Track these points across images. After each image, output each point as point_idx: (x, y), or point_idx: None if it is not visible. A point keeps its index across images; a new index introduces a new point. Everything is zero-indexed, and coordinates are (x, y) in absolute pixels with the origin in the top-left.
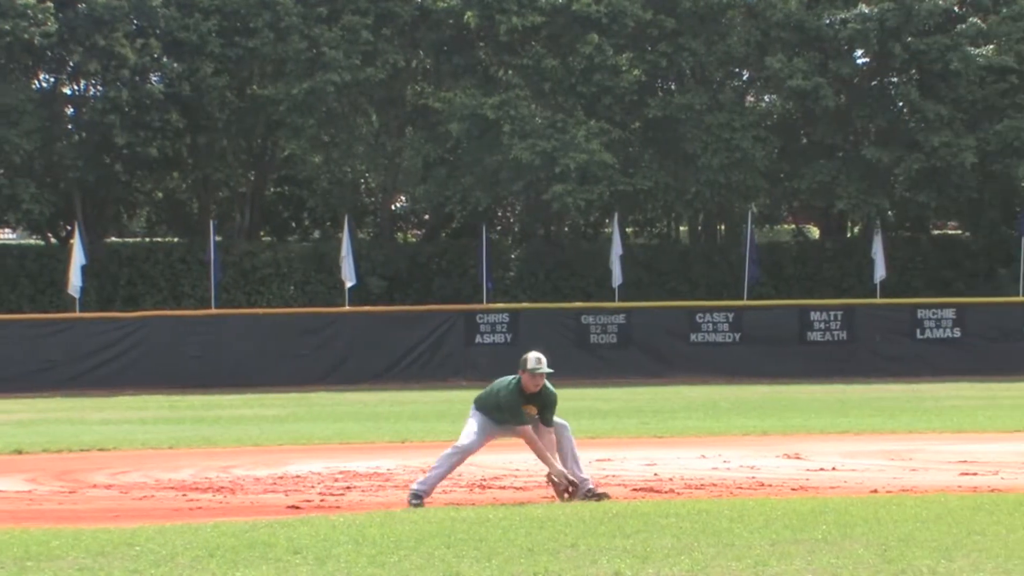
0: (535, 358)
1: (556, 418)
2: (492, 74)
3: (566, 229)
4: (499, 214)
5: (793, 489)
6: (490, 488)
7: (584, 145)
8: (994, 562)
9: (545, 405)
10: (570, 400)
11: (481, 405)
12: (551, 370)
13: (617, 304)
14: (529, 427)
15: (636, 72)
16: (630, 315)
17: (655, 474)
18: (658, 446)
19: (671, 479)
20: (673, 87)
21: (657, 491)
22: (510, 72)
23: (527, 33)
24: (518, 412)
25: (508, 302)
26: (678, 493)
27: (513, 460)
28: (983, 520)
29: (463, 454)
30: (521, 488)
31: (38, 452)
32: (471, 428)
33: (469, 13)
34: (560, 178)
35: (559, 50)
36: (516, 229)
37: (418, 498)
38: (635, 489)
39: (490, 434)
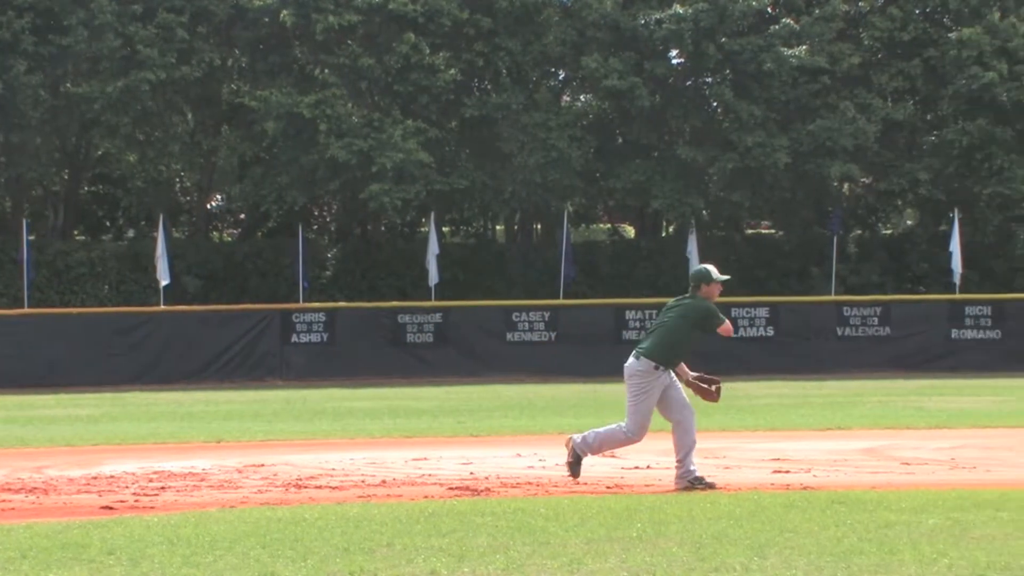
0: (713, 268)
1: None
2: (308, 73)
3: (383, 228)
4: (315, 213)
5: (608, 487)
6: (306, 487)
7: (401, 144)
8: (806, 559)
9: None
10: (386, 399)
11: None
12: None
13: (434, 303)
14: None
15: (452, 71)
16: (447, 314)
17: (471, 473)
18: (474, 445)
19: (487, 478)
20: (489, 86)
21: (473, 490)
22: (326, 71)
23: (343, 32)
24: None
25: (325, 301)
26: (494, 492)
27: (329, 460)
28: (795, 518)
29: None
30: (337, 488)
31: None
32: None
33: (285, 12)
34: (377, 177)
35: (375, 49)
36: (333, 228)
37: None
38: (451, 488)
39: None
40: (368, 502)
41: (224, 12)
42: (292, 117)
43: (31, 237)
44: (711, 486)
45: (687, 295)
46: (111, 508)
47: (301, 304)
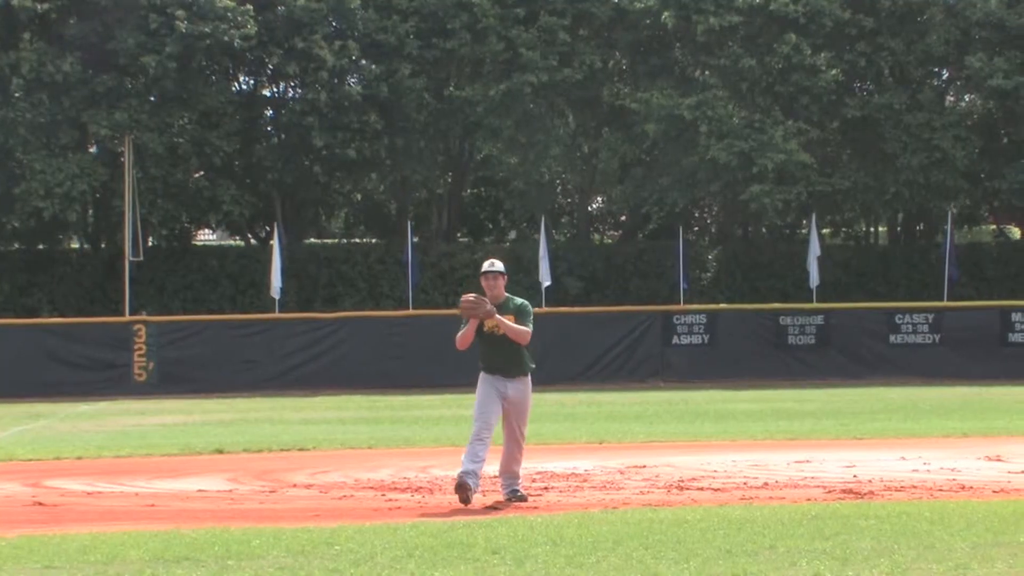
0: (487, 262)
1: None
2: (689, 74)
3: (763, 230)
4: (696, 215)
5: (995, 492)
6: (687, 489)
7: (782, 145)
8: None
9: (517, 311)
10: (768, 402)
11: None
12: (501, 270)
13: (815, 305)
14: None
15: (834, 72)
16: (828, 316)
17: (854, 476)
18: (857, 448)
19: (870, 481)
20: (872, 87)
21: (856, 493)
22: (707, 72)
23: (724, 33)
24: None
25: (705, 303)
26: (878, 495)
27: (710, 461)
28: None
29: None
30: (719, 489)
31: (239, 452)
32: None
33: (666, 13)
34: (757, 178)
35: (756, 50)
36: (713, 230)
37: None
38: (834, 491)
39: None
40: (750, 504)
41: (605, 14)
42: (673, 119)
43: (415, 239)
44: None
45: None
46: (495, 508)
47: (682, 306)
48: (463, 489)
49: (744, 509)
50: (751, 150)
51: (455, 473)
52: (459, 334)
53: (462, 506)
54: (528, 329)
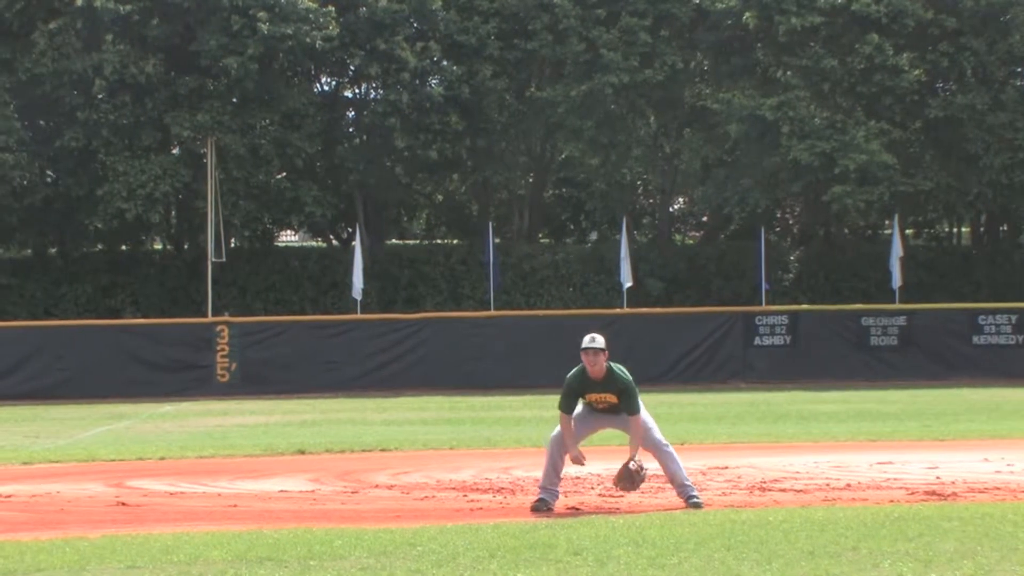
0: (588, 337)
1: (659, 438)
2: (771, 75)
3: (846, 231)
4: (778, 215)
5: None
6: (770, 490)
7: (864, 146)
8: None
9: (620, 392)
10: (850, 403)
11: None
12: (601, 346)
13: (898, 306)
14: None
15: (917, 72)
16: (911, 317)
17: (937, 477)
18: (940, 449)
19: (953, 482)
20: (954, 87)
21: (939, 495)
22: (788, 73)
23: (806, 33)
24: (580, 395)
25: (787, 304)
26: (961, 497)
27: (793, 463)
28: None
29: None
30: (801, 491)
31: (321, 452)
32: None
33: (748, 14)
34: (839, 179)
35: (838, 50)
36: (795, 231)
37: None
38: (917, 492)
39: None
40: (833, 505)
41: (687, 15)
42: (754, 119)
43: (497, 240)
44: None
45: None
46: (577, 509)
47: (764, 307)
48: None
49: (827, 510)
50: (833, 150)
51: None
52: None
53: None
54: (640, 418)
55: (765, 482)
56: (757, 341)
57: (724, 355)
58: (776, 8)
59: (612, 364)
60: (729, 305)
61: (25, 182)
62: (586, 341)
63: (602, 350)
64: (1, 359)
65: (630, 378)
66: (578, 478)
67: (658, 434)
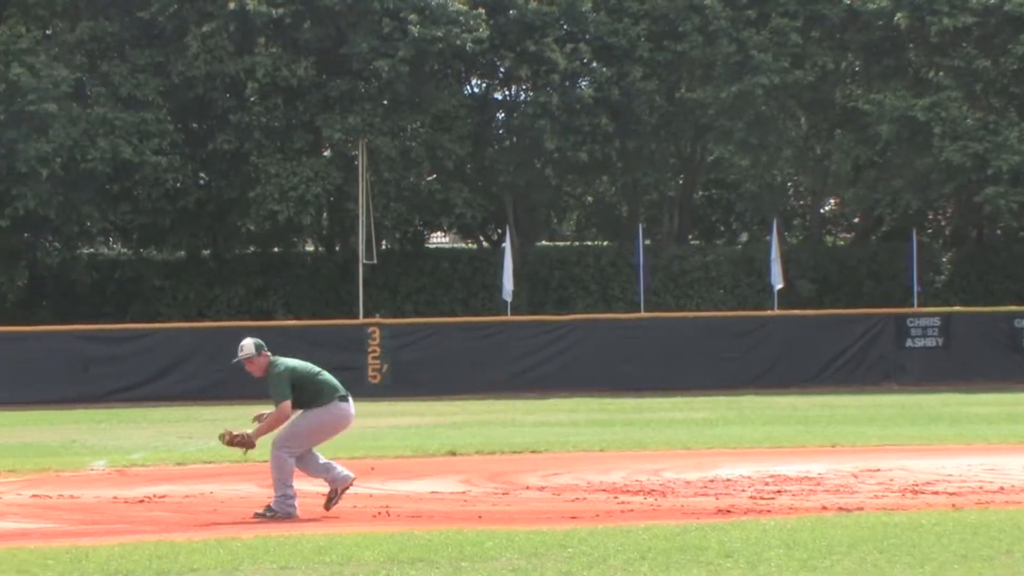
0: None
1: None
2: (922, 75)
3: (998, 232)
4: (929, 217)
5: None
6: (922, 493)
7: (1017, 147)
8: None
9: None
10: (1003, 405)
11: None
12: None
13: None
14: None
15: None
16: None
17: None
18: None
19: None
20: None
21: None
22: (940, 73)
23: (958, 34)
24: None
25: (939, 305)
26: None
27: (945, 465)
28: None
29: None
30: (954, 494)
31: (471, 454)
32: None
33: (900, 14)
34: (992, 180)
35: (991, 51)
36: (947, 232)
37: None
38: None
39: None
40: (986, 509)
41: (837, 16)
42: (906, 120)
43: (647, 242)
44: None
45: None
46: (728, 511)
47: (915, 308)
48: None
49: (980, 513)
50: (985, 151)
51: None
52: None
53: (693, 506)
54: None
55: (917, 485)
56: (909, 343)
57: (875, 357)
58: (928, 8)
59: (274, 361)
60: (880, 307)
61: (178, 184)
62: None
63: (249, 358)
64: (155, 361)
65: (277, 371)
66: (729, 480)
67: (288, 438)
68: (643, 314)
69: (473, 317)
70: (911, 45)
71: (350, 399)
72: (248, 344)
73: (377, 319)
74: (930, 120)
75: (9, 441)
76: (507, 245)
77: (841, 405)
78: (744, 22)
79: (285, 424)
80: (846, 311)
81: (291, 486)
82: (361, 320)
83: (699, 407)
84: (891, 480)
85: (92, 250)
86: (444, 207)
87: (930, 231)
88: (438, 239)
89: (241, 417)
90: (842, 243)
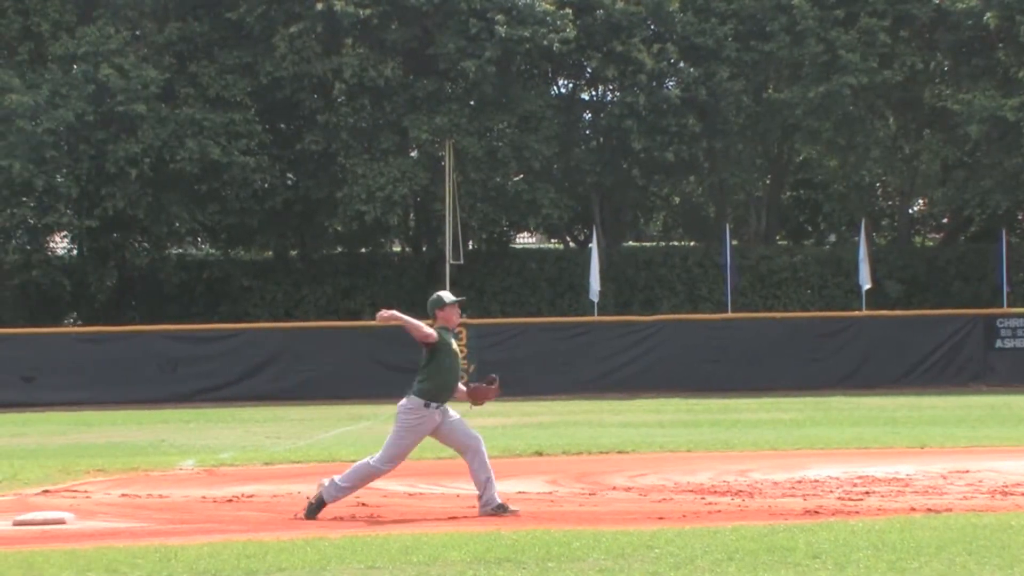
0: (447, 293)
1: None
2: (1012, 75)
3: None
4: (1019, 217)
5: None
6: (1012, 494)
7: None
8: None
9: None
10: None
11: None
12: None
13: None
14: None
15: None
16: None
17: None
18: None
19: None
20: None
21: None
22: None
23: None
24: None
25: None
26: None
27: None
28: None
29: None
30: None
31: (558, 454)
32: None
33: (989, 14)
34: None
35: None
36: None
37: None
38: None
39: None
40: None
41: (926, 15)
42: (995, 120)
43: (734, 242)
44: (514, 513)
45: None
46: (816, 512)
47: (1005, 309)
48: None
49: None
50: None
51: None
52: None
53: (781, 507)
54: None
55: (1007, 486)
56: (998, 344)
57: (964, 358)
58: (1018, 8)
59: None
60: (969, 307)
61: (266, 185)
62: (448, 296)
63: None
64: (244, 361)
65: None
66: (817, 481)
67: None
68: (730, 315)
69: (559, 318)
70: (1000, 45)
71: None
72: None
73: (464, 319)
74: (1019, 120)
75: (99, 440)
76: (593, 245)
77: (929, 406)
78: (832, 22)
79: None
80: (935, 312)
81: None
82: None
83: (786, 408)
84: (980, 481)
85: (180, 250)
86: (531, 207)
87: (1019, 231)
88: (524, 239)
89: (330, 417)
90: (931, 243)
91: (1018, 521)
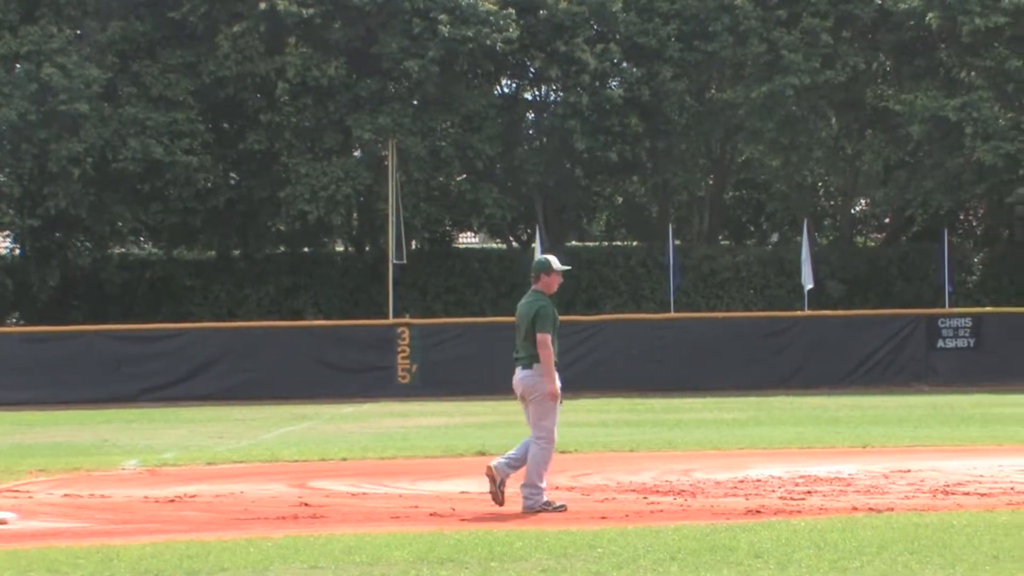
0: (554, 258)
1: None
2: (954, 76)
3: None
4: (960, 217)
5: None
6: (953, 494)
7: None
8: None
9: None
10: None
11: None
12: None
13: None
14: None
15: None
16: None
17: None
18: None
19: None
20: None
21: None
22: (972, 73)
23: (990, 34)
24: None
25: (970, 306)
26: None
27: (977, 466)
28: None
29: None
30: (985, 495)
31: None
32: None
33: (931, 14)
34: None
35: (1023, 51)
36: (978, 232)
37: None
38: None
39: None
40: (1018, 510)
41: (868, 15)
42: (937, 120)
43: (677, 242)
44: (561, 508)
45: (529, 291)
46: (758, 512)
47: (947, 309)
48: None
49: (1012, 514)
50: (1017, 151)
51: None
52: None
53: (723, 506)
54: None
55: (948, 485)
56: (940, 344)
57: (906, 358)
58: (959, 8)
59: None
60: (911, 307)
61: (209, 184)
62: (556, 263)
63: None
64: (187, 360)
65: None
66: (759, 481)
67: (542, 422)
68: (673, 314)
69: (502, 317)
70: (942, 45)
71: (519, 367)
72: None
73: (407, 319)
74: (961, 120)
75: (41, 440)
76: (537, 245)
77: (871, 406)
78: (775, 22)
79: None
80: (877, 312)
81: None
82: (391, 320)
83: (729, 407)
84: (922, 481)
85: (123, 250)
86: (474, 207)
87: (961, 231)
88: (467, 239)
89: (272, 417)
90: (873, 244)
91: (959, 520)
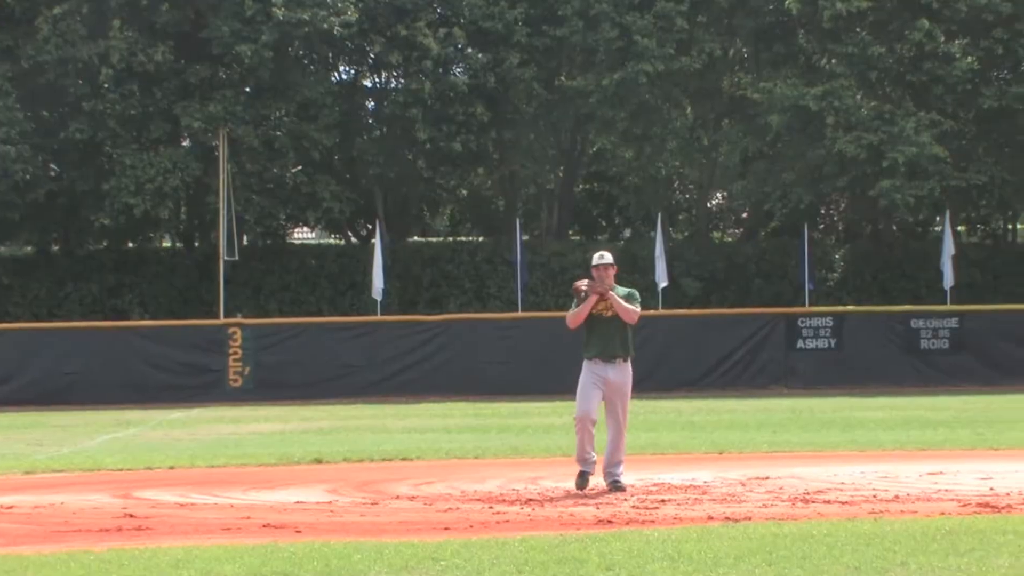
0: (597, 254)
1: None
2: (815, 63)
3: (894, 227)
4: (822, 211)
5: None
6: (814, 502)
7: (914, 138)
8: None
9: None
10: (899, 409)
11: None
12: (611, 260)
13: (949, 307)
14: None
15: (970, 60)
16: (963, 319)
17: (991, 488)
18: (994, 459)
19: (1008, 494)
20: (1009, 75)
21: (993, 507)
22: (834, 61)
23: (852, 19)
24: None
25: (832, 305)
26: (1016, 509)
27: (838, 473)
28: None
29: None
30: (847, 503)
31: (339, 461)
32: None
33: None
34: (888, 173)
35: (886, 37)
36: (840, 227)
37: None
38: (969, 505)
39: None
40: (880, 518)
41: (726, 0)
42: (797, 110)
43: (525, 237)
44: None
45: None
46: (609, 521)
47: (807, 308)
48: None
49: (874, 523)
50: (881, 143)
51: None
52: (573, 312)
53: (572, 516)
54: (637, 309)
55: (808, 493)
56: (800, 344)
57: (765, 359)
58: None
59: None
60: (770, 306)
61: (28, 176)
62: (595, 258)
63: (612, 265)
64: (3, 363)
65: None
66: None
67: (627, 414)
68: (521, 314)
69: (340, 317)
70: (802, 31)
71: (615, 361)
72: (608, 254)
73: (239, 319)
74: (822, 110)
75: None
76: (377, 241)
77: (728, 410)
78: (627, 6)
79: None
80: (734, 311)
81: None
82: (222, 320)
83: None
84: (781, 488)
85: None
86: (310, 200)
87: (822, 227)
88: (303, 234)
89: (95, 423)
90: (730, 239)
91: (819, 530)
